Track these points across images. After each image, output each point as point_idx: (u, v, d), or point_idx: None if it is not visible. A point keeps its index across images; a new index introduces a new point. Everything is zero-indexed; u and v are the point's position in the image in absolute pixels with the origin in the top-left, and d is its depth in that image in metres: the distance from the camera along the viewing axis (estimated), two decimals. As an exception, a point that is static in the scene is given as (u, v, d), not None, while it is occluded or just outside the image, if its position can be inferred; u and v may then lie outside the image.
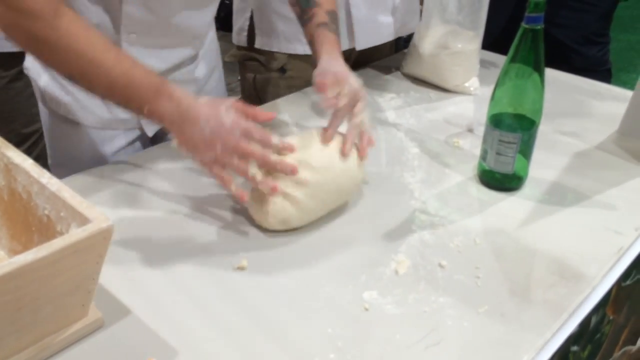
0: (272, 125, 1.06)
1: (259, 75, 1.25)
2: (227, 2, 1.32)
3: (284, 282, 0.71)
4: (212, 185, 0.88)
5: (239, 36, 1.25)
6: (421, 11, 1.25)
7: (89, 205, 0.59)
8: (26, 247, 0.66)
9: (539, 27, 0.78)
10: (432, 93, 1.21)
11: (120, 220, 0.79)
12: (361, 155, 0.82)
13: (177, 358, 0.61)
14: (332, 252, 0.76)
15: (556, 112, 1.09)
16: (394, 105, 1.15)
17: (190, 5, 0.92)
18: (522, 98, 0.84)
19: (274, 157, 0.74)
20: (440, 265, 0.74)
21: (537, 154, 0.88)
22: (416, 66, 1.24)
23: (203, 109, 0.72)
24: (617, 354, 0.94)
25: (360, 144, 0.82)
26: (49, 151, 1.03)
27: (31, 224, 0.67)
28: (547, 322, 0.66)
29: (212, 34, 1.08)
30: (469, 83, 1.20)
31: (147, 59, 0.78)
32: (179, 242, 0.77)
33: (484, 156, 0.89)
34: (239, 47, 1.27)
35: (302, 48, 1.18)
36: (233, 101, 0.74)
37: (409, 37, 1.29)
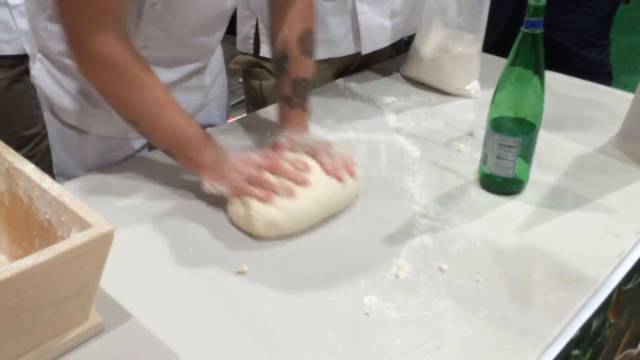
0: (275, 129, 1.06)
1: (264, 82, 1.25)
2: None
3: (285, 286, 0.71)
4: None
5: (244, 44, 1.26)
6: None
7: (90, 210, 0.59)
8: (27, 252, 0.66)
9: (538, 31, 0.79)
10: (433, 96, 1.21)
11: (120, 225, 0.79)
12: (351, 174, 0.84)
13: (178, 363, 0.61)
14: (333, 257, 0.76)
15: (556, 116, 1.09)
16: (395, 109, 1.15)
17: (204, 26, 0.94)
18: (523, 102, 0.84)
19: (287, 167, 0.81)
20: (441, 270, 0.74)
21: (538, 157, 0.88)
22: (417, 69, 1.24)
23: (236, 154, 0.82)
24: (618, 357, 0.94)
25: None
26: (55, 160, 1.03)
27: (32, 229, 0.67)
28: (548, 326, 0.66)
29: (219, 52, 1.11)
30: (469, 86, 1.20)
31: (157, 71, 0.80)
32: (179, 247, 0.77)
33: (484, 160, 0.89)
34: (243, 54, 1.27)
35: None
36: (260, 159, 0.82)
37: (410, 40, 1.29)
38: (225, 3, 0.92)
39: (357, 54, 1.26)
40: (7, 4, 1.33)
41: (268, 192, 0.78)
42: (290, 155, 0.83)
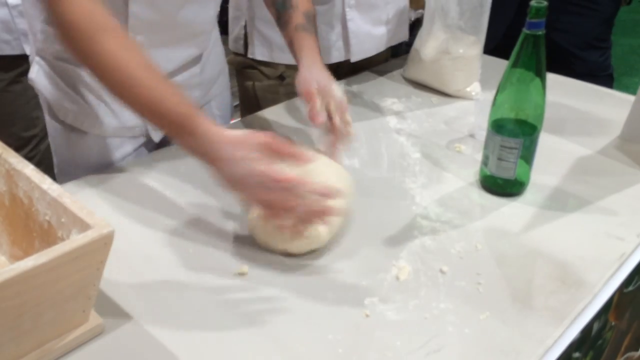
0: (273, 132, 1.06)
1: (257, 83, 1.25)
2: (226, 5, 1.32)
3: (285, 287, 0.71)
4: (212, 190, 0.88)
5: (235, 44, 1.26)
6: (420, 18, 1.26)
7: (90, 211, 0.59)
8: (27, 253, 0.66)
9: (540, 32, 0.78)
10: (434, 98, 1.21)
11: (120, 226, 0.79)
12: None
13: (178, 364, 0.61)
14: (333, 258, 0.76)
15: (558, 118, 1.08)
16: (396, 110, 1.15)
17: (193, 1, 0.92)
18: (524, 103, 0.84)
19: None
20: (442, 271, 0.74)
21: (539, 159, 0.88)
22: (418, 71, 1.24)
23: (226, 148, 0.70)
24: (619, 360, 0.94)
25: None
26: (55, 160, 1.03)
27: (32, 230, 0.67)
28: (549, 329, 0.66)
29: (216, 35, 1.08)
30: (470, 88, 1.20)
31: (153, 60, 0.77)
32: (179, 248, 0.77)
33: (485, 161, 0.89)
34: (236, 54, 1.27)
35: None
36: (261, 138, 0.71)
37: (411, 42, 1.29)
38: None
39: (346, 62, 1.25)
40: (7, 4, 1.33)
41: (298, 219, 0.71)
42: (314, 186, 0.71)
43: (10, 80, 1.39)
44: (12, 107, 1.42)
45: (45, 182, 0.64)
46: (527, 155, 0.87)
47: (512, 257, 0.77)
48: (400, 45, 1.39)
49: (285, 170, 0.70)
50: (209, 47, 1.05)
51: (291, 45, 0.92)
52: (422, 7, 1.26)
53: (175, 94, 0.72)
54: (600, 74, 1.52)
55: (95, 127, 0.96)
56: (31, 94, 1.40)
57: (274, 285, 0.72)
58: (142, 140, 1.01)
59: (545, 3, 0.77)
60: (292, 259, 0.76)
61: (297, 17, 0.92)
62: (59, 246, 0.54)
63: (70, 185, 0.89)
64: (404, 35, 1.33)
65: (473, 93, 1.20)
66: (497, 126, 0.86)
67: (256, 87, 1.25)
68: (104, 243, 0.57)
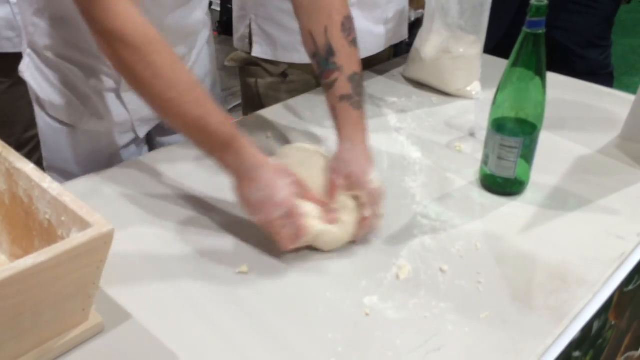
0: (276, 130, 1.06)
1: (260, 80, 1.25)
2: (229, 6, 1.32)
3: (285, 286, 0.71)
4: (212, 189, 0.88)
5: (240, 43, 1.26)
6: (420, 18, 1.26)
7: (90, 209, 0.59)
8: (27, 252, 0.66)
9: (540, 31, 0.78)
10: (434, 97, 1.21)
11: (120, 225, 0.79)
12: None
13: (178, 363, 0.61)
14: (333, 257, 0.76)
15: (558, 117, 1.08)
16: (396, 110, 1.15)
17: (180, 3, 0.92)
18: (524, 102, 0.84)
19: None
20: (442, 270, 0.74)
21: (539, 158, 0.88)
22: (418, 70, 1.24)
23: (265, 174, 0.73)
24: (619, 359, 0.94)
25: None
26: (44, 154, 1.03)
27: (32, 229, 0.67)
28: (549, 328, 0.66)
29: (205, 38, 1.07)
30: (470, 87, 1.20)
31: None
32: (179, 247, 0.77)
33: (485, 161, 0.89)
34: (240, 52, 1.27)
35: (299, 57, 1.18)
36: (297, 178, 0.75)
37: (411, 41, 1.29)
38: None
39: None
40: (8, 2, 1.33)
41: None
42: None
43: (12, 82, 1.39)
44: (13, 109, 1.42)
45: (45, 180, 0.64)
46: (527, 155, 0.87)
47: (512, 256, 0.77)
48: (400, 44, 1.39)
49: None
50: (198, 47, 1.04)
51: (333, 114, 0.83)
52: (423, 6, 1.26)
53: (220, 113, 0.73)
54: (600, 72, 1.52)
55: (83, 122, 0.96)
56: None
57: (274, 284, 0.72)
58: (131, 136, 1.01)
59: (546, 2, 0.77)
60: (291, 259, 0.76)
61: (343, 85, 0.81)
62: (59, 245, 0.54)
63: (70, 184, 0.89)
64: (403, 34, 1.33)
65: (473, 92, 1.20)
66: (497, 125, 0.86)
67: (259, 84, 1.26)
68: (104, 242, 0.57)
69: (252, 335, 0.65)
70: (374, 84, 1.25)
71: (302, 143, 0.88)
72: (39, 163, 1.18)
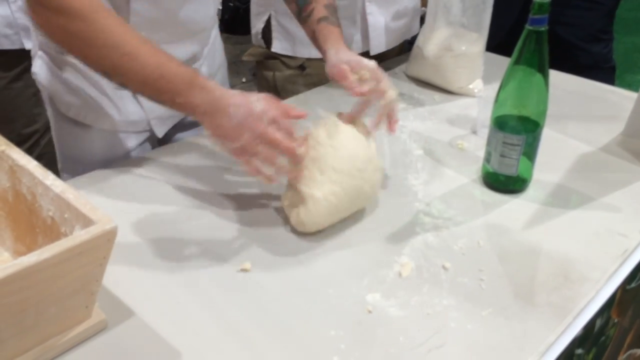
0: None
1: (278, 73, 1.28)
2: (231, 4, 1.33)
3: (287, 284, 0.71)
4: (216, 187, 0.88)
5: (256, 38, 1.29)
6: (423, 16, 1.27)
7: (93, 206, 0.59)
8: (30, 249, 0.66)
9: (543, 28, 0.78)
10: (436, 95, 1.20)
11: (123, 222, 0.79)
12: (391, 130, 0.85)
13: (181, 360, 0.61)
14: (336, 255, 0.76)
15: (560, 114, 1.08)
16: (398, 107, 1.15)
17: None
18: (526, 100, 0.84)
19: (299, 150, 0.75)
20: (444, 268, 0.74)
21: (541, 156, 0.88)
22: (420, 68, 1.24)
23: (234, 98, 0.74)
24: (621, 357, 0.94)
25: (389, 123, 0.86)
26: (58, 156, 1.03)
27: (35, 226, 0.67)
28: (552, 325, 0.66)
29: (215, 33, 1.09)
30: (473, 85, 1.20)
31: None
32: (182, 244, 0.77)
33: (488, 158, 0.89)
34: (257, 47, 1.30)
35: (317, 52, 1.20)
36: (264, 94, 0.75)
37: (413, 40, 1.29)
38: None
39: (366, 53, 1.27)
40: (7, 0, 1.34)
41: (270, 156, 0.74)
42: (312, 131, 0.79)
43: (11, 78, 1.39)
44: (13, 104, 1.42)
45: (48, 177, 0.64)
46: (530, 152, 0.86)
47: (515, 253, 0.77)
48: (403, 42, 1.40)
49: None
50: (209, 44, 1.05)
51: (314, 38, 0.93)
52: (425, 4, 1.26)
53: (174, 60, 0.74)
54: (604, 65, 1.52)
55: (99, 121, 0.96)
56: (32, 92, 1.40)
57: (276, 282, 0.72)
58: (145, 135, 1.01)
59: (548, -1, 0.77)
60: (294, 256, 0.76)
61: (320, 10, 0.92)
62: (62, 242, 0.54)
63: (74, 181, 0.89)
64: (415, 29, 1.36)
65: (475, 90, 1.20)
66: (500, 123, 0.86)
67: (277, 78, 1.28)
68: (107, 239, 0.57)
69: (254, 332, 0.65)
70: (376, 82, 1.25)
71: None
72: (39, 158, 1.19)
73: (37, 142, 1.48)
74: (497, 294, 0.70)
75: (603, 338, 0.79)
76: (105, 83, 0.93)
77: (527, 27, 0.79)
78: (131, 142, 1.00)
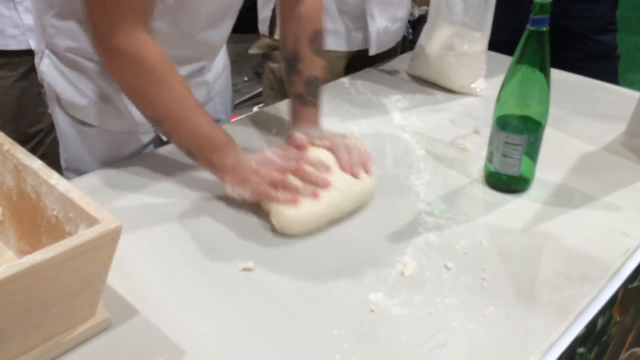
0: (281, 126, 1.07)
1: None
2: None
3: (290, 283, 0.72)
4: (219, 186, 0.88)
5: (262, 25, 1.31)
6: (425, 15, 1.28)
7: (98, 206, 0.59)
8: (35, 248, 0.66)
9: (544, 28, 0.78)
10: (438, 94, 1.21)
11: (127, 221, 0.79)
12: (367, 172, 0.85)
13: (184, 358, 0.62)
14: (338, 254, 0.77)
15: (562, 114, 1.08)
16: (400, 107, 1.15)
17: (212, 20, 0.94)
18: (528, 100, 0.84)
19: (308, 169, 0.81)
20: (446, 267, 0.74)
21: (544, 155, 0.88)
22: (422, 67, 1.24)
23: (255, 156, 0.83)
24: (623, 356, 0.94)
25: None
26: (63, 155, 1.03)
27: (40, 225, 0.67)
28: (554, 324, 0.66)
29: (223, 53, 1.11)
30: (475, 84, 1.20)
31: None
32: (186, 243, 0.78)
33: (490, 158, 0.89)
34: (264, 37, 1.32)
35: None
36: (289, 159, 0.82)
37: (415, 38, 1.29)
38: None
39: (365, 51, 1.30)
40: (12, 0, 1.34)
41: (294, 195, 0.78)
42: (309, 154, 0.83)
43: (17, 77, 1.40)
44: (18, 104, 1.42)
45: (53, 177, 0.64)
46: (532, 152, 0.87)
47: (517, 252, 0.77)
48: (404, 41, 1.42)
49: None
50: (216, 56, 1.07)
51: (291, 110, 0.96)
52: (427, 3, 1.26)
53: (214, 122, 0.84)
54: (612, 55, 1.54)
55: (104, 122, 0.97)
56: (36, 91, 1.40)
57: (279, 281, 0.72)
58: (150, 137, 1.02)
59: (550, -1, 0.77)
60: (297, 256, 0.76)
61: (298, 85, 0.94)
62: (66, 241, 0.55)
63: (78, 180, 0.90)
64: (404, 30, 1.42)
65: (478, 89, 1.20)
66: (502, 123, 0.86)
67: (282, 69, 1.29)
68: (112, 238, 0.58)
69: (257, 330, 0.65)
70: (379, 81, 1.26)
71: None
72: (43, 157, 1.20)
73: (41, 141, 1.48)
74: (499, 293, 0.70)
75: (605, 337, 0.79)
76: (111, 84, 0.94)
77: (529, 27, 0.79)
78: (135, 143, 1.00)
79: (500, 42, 1.20)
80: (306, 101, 0.94)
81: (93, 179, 0.91)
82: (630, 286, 0.77)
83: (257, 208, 0.84)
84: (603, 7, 1.50)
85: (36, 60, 0.99)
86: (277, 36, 1.26)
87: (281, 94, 1.27)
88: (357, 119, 1.10)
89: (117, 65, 0.79)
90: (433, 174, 0.94)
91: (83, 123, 0.97)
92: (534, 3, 0.77)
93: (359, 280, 0.72)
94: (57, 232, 0.64)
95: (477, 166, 0.94)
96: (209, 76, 1.06)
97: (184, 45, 0.94)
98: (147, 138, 1.01)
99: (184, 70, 0.98)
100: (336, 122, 1.09)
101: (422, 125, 1.09)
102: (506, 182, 0.89)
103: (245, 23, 1.38)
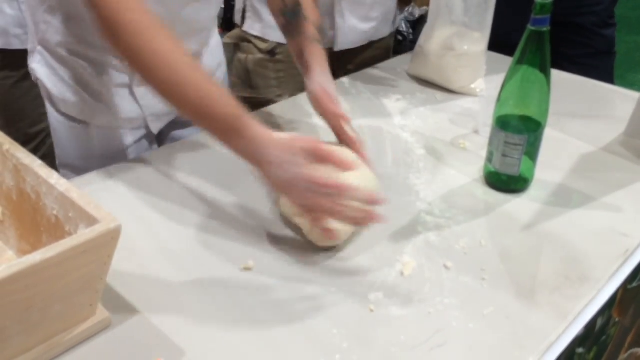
0: (279, 127, 1.07)
1: (250, 56, 1.32)
2: (233, 3, 1.35)
3: (290, 282, 0.72)
4: (218, 185, 0.89)
5: (237, 15, 1.34)
6: (425, 15, 1.28)
7: (97, 205, 0.60)
8: (35, 247, 0.67)
9: (545, 29, 0.78)
10: (438, 94, 1.21)
11: (127, 221, 0.79)
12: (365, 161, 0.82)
13: (184, 358, 0.62)
14: (338, 254, 0.77)
15: (562, 114, 1.08)
16: (400, 107, 1.15)
17: None
18: (528, 100, 0.84)
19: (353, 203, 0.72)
20: (446, 267, 0.74)
21: (543, 155, 0.88)
22: (422, 67, 1.24)
23: (274, 152, 0.71)
24: (622, 356, 0.94)
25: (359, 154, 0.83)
26: (56, 151, 1.04)
27: (40, 224, 0.67)
28: (553, 324, 0.66)
29: (215, 32, 1.10)
30: (475, 84, 1.20)
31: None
32: (185, 242, 0.78)
33: (490, 158, 0.89)
34: (237, 28, 1.34)
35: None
36: (306, 143, 0.72)
37: (416, 38, 1.30)
38: None
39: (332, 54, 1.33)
40: (17, 0, 1.34)
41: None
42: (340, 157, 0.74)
43: (19, 77, 1.40)
44: (20, 104, 1.43)
45: (52, 176, 0.64)
46: (532, 152, 0.87)
47: (516, 252, 0.77)
48: (404, 41, 1.42)
49: (330, 176, 0.72)
50: (208, 45, 1.06)
51: (300, 54, 0.92)
52: (427, 3, 1.26)
53: (223, 95, 0.72)
54: (613, 50, 1.54)
55: (96, 118, 0.97)
56: (38, 91, 1.40)
57: (279, 280, 0.72)
58: (142, 132, 1.02)
59: (550, 0, 0.77)
60: (297, 255, 0.76)
61: (310, 29, 0.92)
62: (66, 240, 0.55)
63: (78, 180, 0.90)
64: (385, 32, 1.42)
65: (478, 90, 1.20)
66: (502, 123, 0.86)
67: (248, 60, 1.33)
68: (112, 237, 0.58)
69: (257, 329, 0.65)
70: (378, 82, 1.26)
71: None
72: (45, 158, 1.19)
73: (43, 141, 1.48)
74: (498, 293, 0.70)
75: (604, 337, 0.79)
76: (101, 80, 0.94)
77: (529, 27, 0.79)
78: (128, 138, 1.01)
79: (500, 42, 1.21)
80: (319, 42, 0.92)
81: (93, 178, 0.91)
82: (629, 286, 0.77)
83: (257, 209, 0.84)
84: (605, 2, 1.51)
85: (29, 58, 0.99)
86: (245, 28, 1.29)
87: (246, 85, 1.31)
88: (357, 119, 1.10)
89: (105, 29, 0.73)
90: (433, 173, 0.94)
91: (74, 119, 0.97)
92: (534, 3, 0.77)
93: (358, 279, 0.72)
94: (57, 231, 0.64)
95: (477, 166, 0.94)
96: (203, 66, 1.05)
97: (169, 23, 0.91)
98: (138, 134, 1.02)
99: None
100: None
101: (422, 125, 1.09)
102: (506, 182, 0.89)
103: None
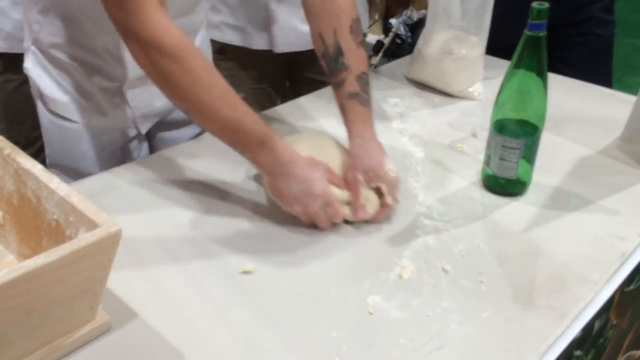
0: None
1: None
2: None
3: (289, 286, 0.72)
4: (217, 189, 0.89)
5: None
6: (423, 19, 1.28)
7: (98, 210, 0.60)
8: (35, 252, 0.67)
9: (541, 34, 0.79)
10: (436, 98, 1.21)
11: (127, 225, 0.79)
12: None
13: (184, 361, 0.62)
14: (337, 257, 0.77)
15: (559, 118, 1.09)
16: (398, 111, 1.16)
17: (182, 11, 0.93)
18: (526, 104, 0.85)
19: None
20: (444, 270, 0.74)
21: (541, 159, 0.89)
22: (420, 71, 1.25)
23: (299, 169, 0.78)
24: (620, 358, 0.95)
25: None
26: (47, 151, 1.04)
27: (40, 229, 0.68)
28: (551, 327, 0.67)
29: (203, 35, 1.08)
30: (472, 88, 1.21)
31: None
32: (185, 246, 0.78)
33: (487, 161, 0.89)
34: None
35: (232, 37, 1.27)
36: (327, 167, 0.81)
37: (414, 42, 1.30)
38: None
39: (283, 62, 1.32)
40: (22, 3, 1.35)
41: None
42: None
43: (22, 80, 1.40)
44: (22, 107, 1.43)
45: (53, 181, 0.64)
46: (529, 155, 0.87)
47: (514, 256, 0.77)
48: (402, 44, 1.41)
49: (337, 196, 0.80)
50: (199, 30, 1.05)
51: (342, 112, 0.88)
52: (425, 7, 1.27)
53: (253, 114, 0.77)
54: (610, 48, 1.55)
55: (87, 119, 0.97)
56: None
57: (278, 284, 0.72)
58: (133, 132, 1.02)
59: (547, 5, 0.77)
60: (296, 258, 0.77)
61: (351, 83, 0.86)
62: (67, 245, 0.55)
63: (78, 184, 0.90)
64: None
65: (475, 93, 1.21)
66: (499, 126, 0.86)
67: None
68: (112, 242, 0.58)
69: (257, 333, 0.66)
70: (377, 85, 1.26)
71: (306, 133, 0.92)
72: (45, 161, 1.19)
73: (44, 145, 1.48)
74: (496, 296, 0.71)
75: (602, 340, 0.80)
76: (93, 81, 0.94)
77: (526, 32, 0.80)
78: (119, 139, 1.01)
79: (497, 46, 1.21)
80: (362, 100, 0.86)
81: (93, 182, 0.91)
82: (626, 289, 0.78)
83: (256, 209, 0.85)
84: (602, 1, 1.51)
85: (24, 57, 1.00)
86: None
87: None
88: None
89: (137, 52, 0.74)
90: (431, 177, 0.94)
91: (65, 119, 0.98)
92: (531, 8, 0.78)
93: (357, 283, 0.72)
94: (57, 235, 0.65)
95: (475, 169, 0.95)
96: None
97: None
98: (129, 134, 1.02)
99: None
100: (335, 125, 1.09)
101: (420, 128, 1.09)
102: (504, 186, 0.89)
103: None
